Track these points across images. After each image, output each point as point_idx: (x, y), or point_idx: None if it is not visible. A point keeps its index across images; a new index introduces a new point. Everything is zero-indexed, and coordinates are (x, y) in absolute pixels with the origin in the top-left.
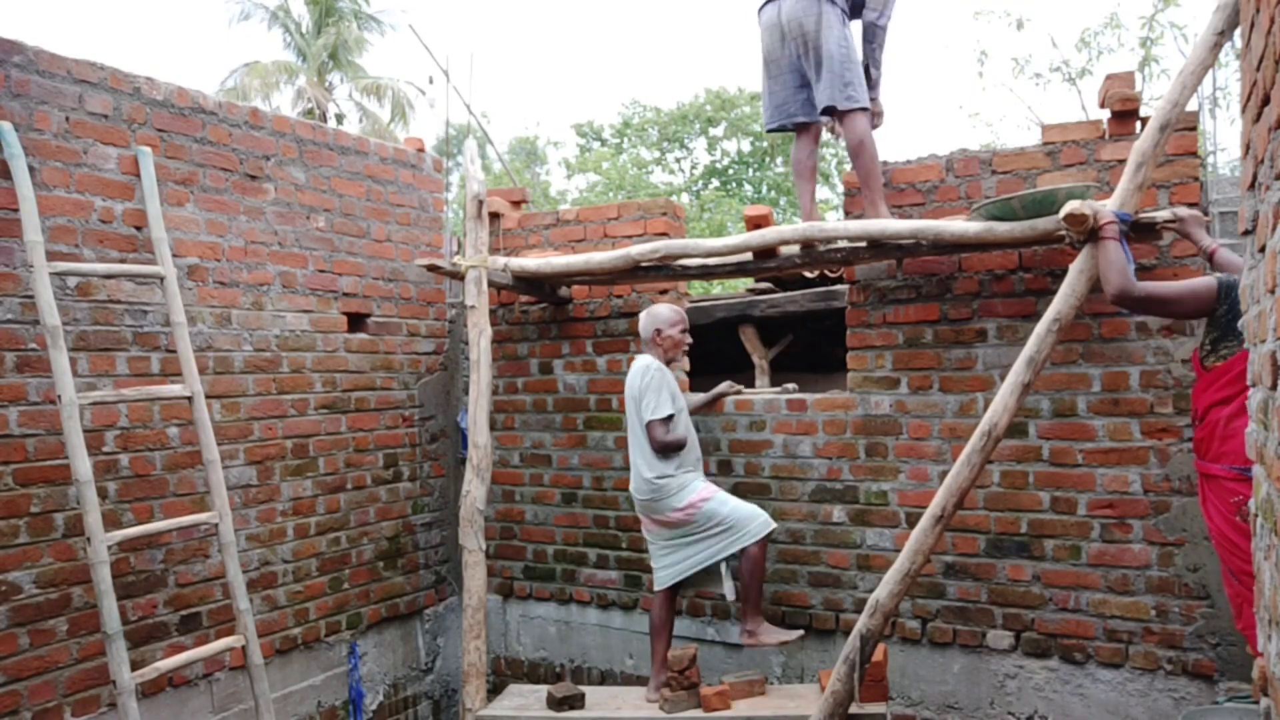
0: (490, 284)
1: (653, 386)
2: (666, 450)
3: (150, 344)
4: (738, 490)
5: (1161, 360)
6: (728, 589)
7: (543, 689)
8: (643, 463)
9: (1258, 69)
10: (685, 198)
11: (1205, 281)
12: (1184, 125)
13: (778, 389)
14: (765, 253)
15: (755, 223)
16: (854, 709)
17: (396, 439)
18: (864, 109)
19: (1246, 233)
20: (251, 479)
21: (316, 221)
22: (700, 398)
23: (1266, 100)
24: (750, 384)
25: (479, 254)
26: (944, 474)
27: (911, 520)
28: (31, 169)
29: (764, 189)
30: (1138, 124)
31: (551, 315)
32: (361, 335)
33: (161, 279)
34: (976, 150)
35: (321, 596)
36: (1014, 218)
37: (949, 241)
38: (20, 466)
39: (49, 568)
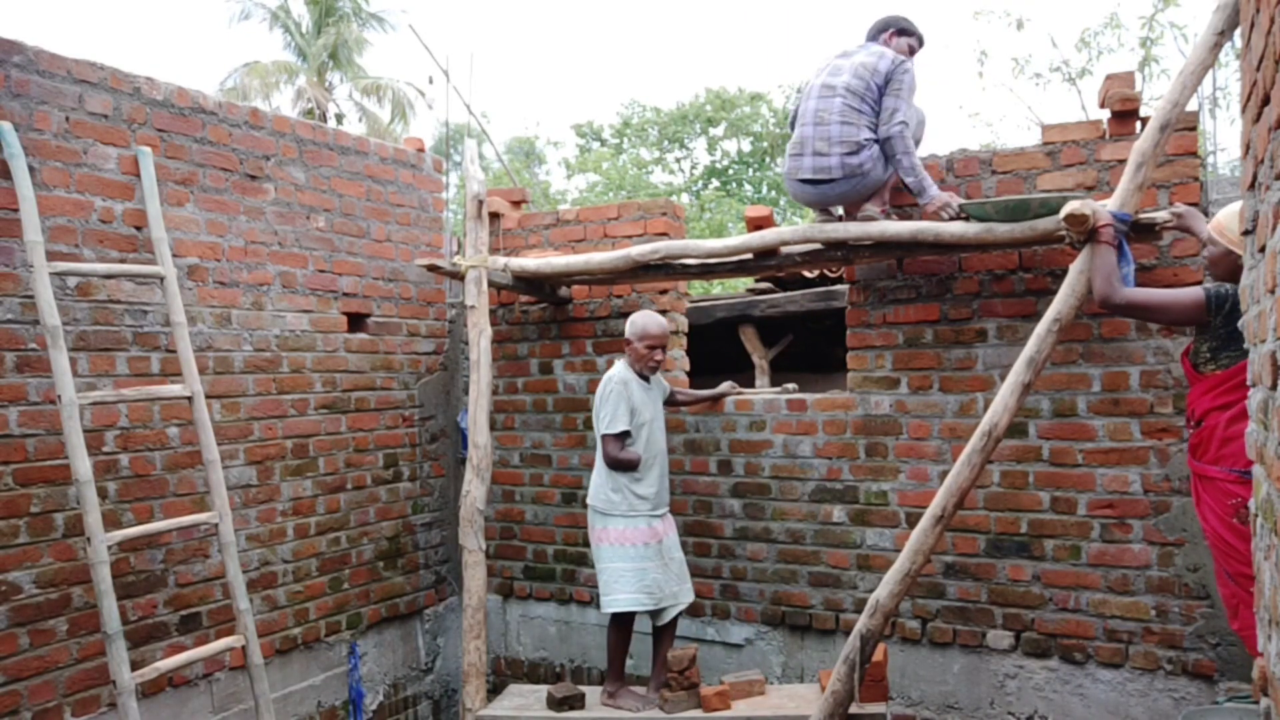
0: (490, 284)
1: (611, 399)
2: (618, 466)
3: (150, 344)
4: (737, 490)
5: (1161, 360)
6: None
7: (543, 689)
8: (601, 472)
9: (1258, 69)
10: (685, 198)
11: (1191, 292)
12: (1184, 125)
13: (778, 389)
14: (765, 252)
15: (756, 223)
16: (854, 709)
17: (396, 439)
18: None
19: (1246, 233)
20: (251, 479)
21: (316, 221)
22: (706, 393)
23: (1266, 100)
24: (750, 384)
25: (479, 254)
26: (944, 474)
27: (911, 520)
28: (31, 169)
29: (764, 189)
30: (1138, 124)
31: (551, 315)
32: (361, 335)
33: (161, 279)
34: (976, 150)
35: (321, 596)
36: (987, 219)
37: (949, 241)
38: (20, 466)
39: (49, 568)
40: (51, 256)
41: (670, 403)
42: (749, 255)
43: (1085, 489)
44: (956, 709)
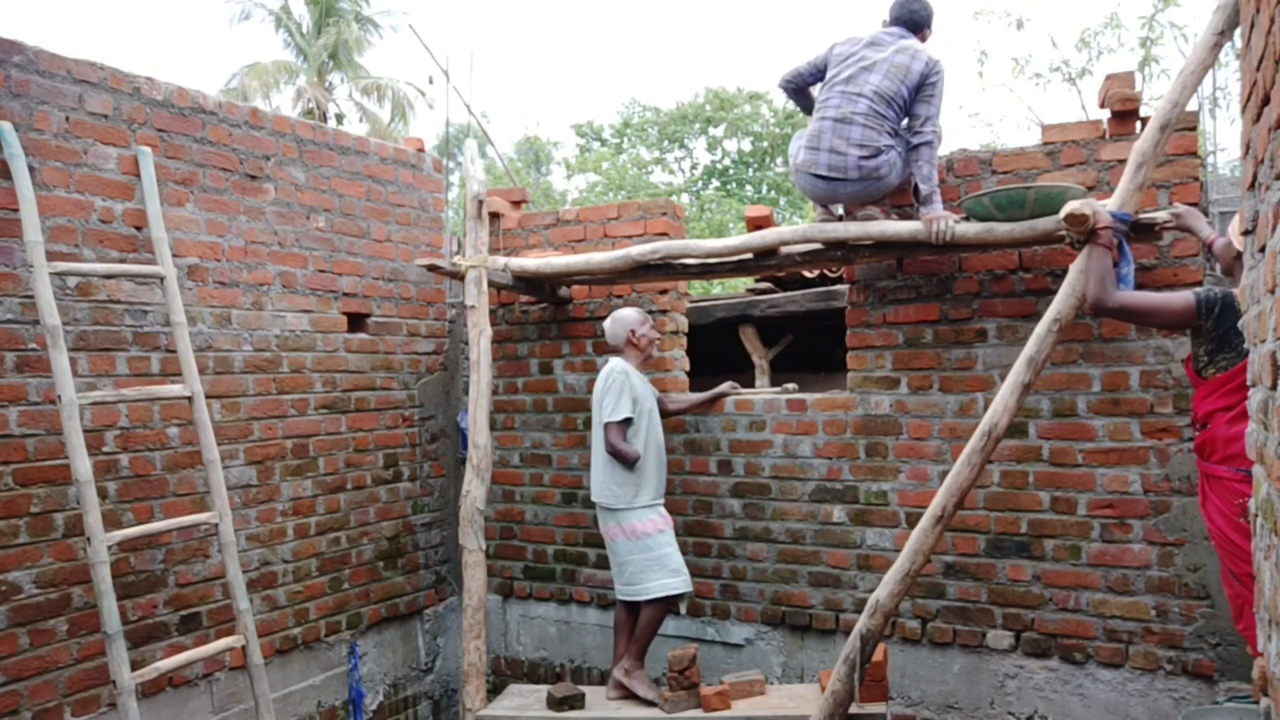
0: (490, 284)
1: (614, 387)
2: (618, 457)
3: (150, 344)
4: (737, 490)
5: (1161, 360)
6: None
7: (543, 689)
8: (602, 468)
9: (1258, 69)
10: (685, 198)
11: (1182, 296)
12: (1184, 125)
13: (778, 389)
14: (765, 252)
15: (756, 223)
16: (854, 709)
17: (396, 439)
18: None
19: (1246, 233)
20: (251, 479)
21: (316, 221)
22: (700, 396)
23: (1266, 100)
24: (750, 384)
25: (479, 254)
26: (944, 474)
27: (911, 520)
28: (31, 169)
29: (764, 189)
30: (1138, 124)
31: (551, 315)
32: (361, 335)
33: (161, 279)
34: (976, 150)
35: (321, 596)
36: (987, 215)
37: (949, 241)
38: (20, 466)
39: (49, 568)
40: (51, 256)
41: (663, 413)
42: (749, 255)
43: (1085, 489)
44: (956, 709)
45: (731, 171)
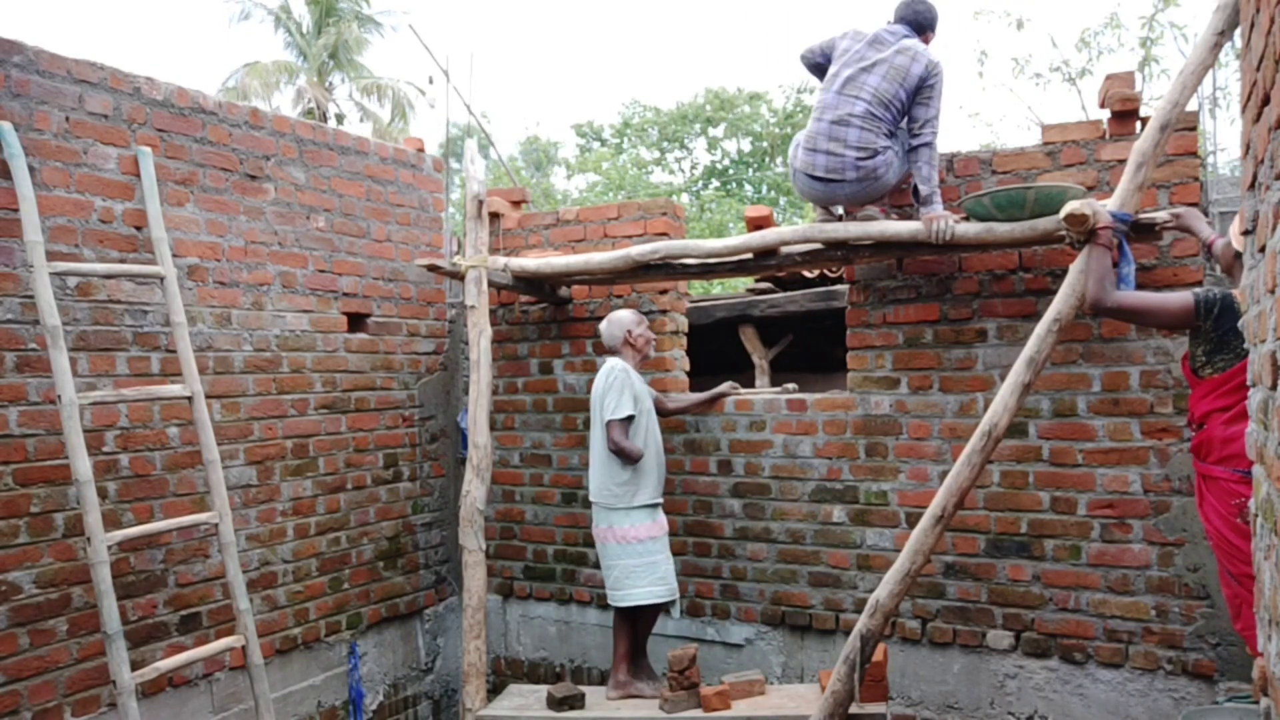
0: (490, 284)
1: (616, 385)
2: (621, 454)
3: (150, 344)
4: (737, 490)
5: (1161, 360)
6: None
7: (543, 689)
8: (602, 467)
9: (1258, 69)
10: (685, 198)
11: (1180, 296)
12: (1184, 125)
13: (778, 389)
14: (765, 252)
15: (756, 223)
16: (854, 709)
17: (396, 439)
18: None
19: (1246, 233)
20: (251, 479)
21: (316, 221)
22: (699, 396)
23: (1266, 100)
24: (750, 384)
25: (479, 254)
26: (944, 474)
27: (911, 520)
28: (31, 169)
29: (764, 189)
30: (1138, 124)
31: (551, 315)
32: (361, 335)
33: (161, 279)
34: (976, 150)
35: (321, 596)
36: (987, 216)
37: (949, 241)
38: (20, 466)
39: (49, 568)
40: (51, 256)
41: (661, 413)
42: (749, 255)
43: (1085, 489)
44: (956, 709)
45: (731, 171)
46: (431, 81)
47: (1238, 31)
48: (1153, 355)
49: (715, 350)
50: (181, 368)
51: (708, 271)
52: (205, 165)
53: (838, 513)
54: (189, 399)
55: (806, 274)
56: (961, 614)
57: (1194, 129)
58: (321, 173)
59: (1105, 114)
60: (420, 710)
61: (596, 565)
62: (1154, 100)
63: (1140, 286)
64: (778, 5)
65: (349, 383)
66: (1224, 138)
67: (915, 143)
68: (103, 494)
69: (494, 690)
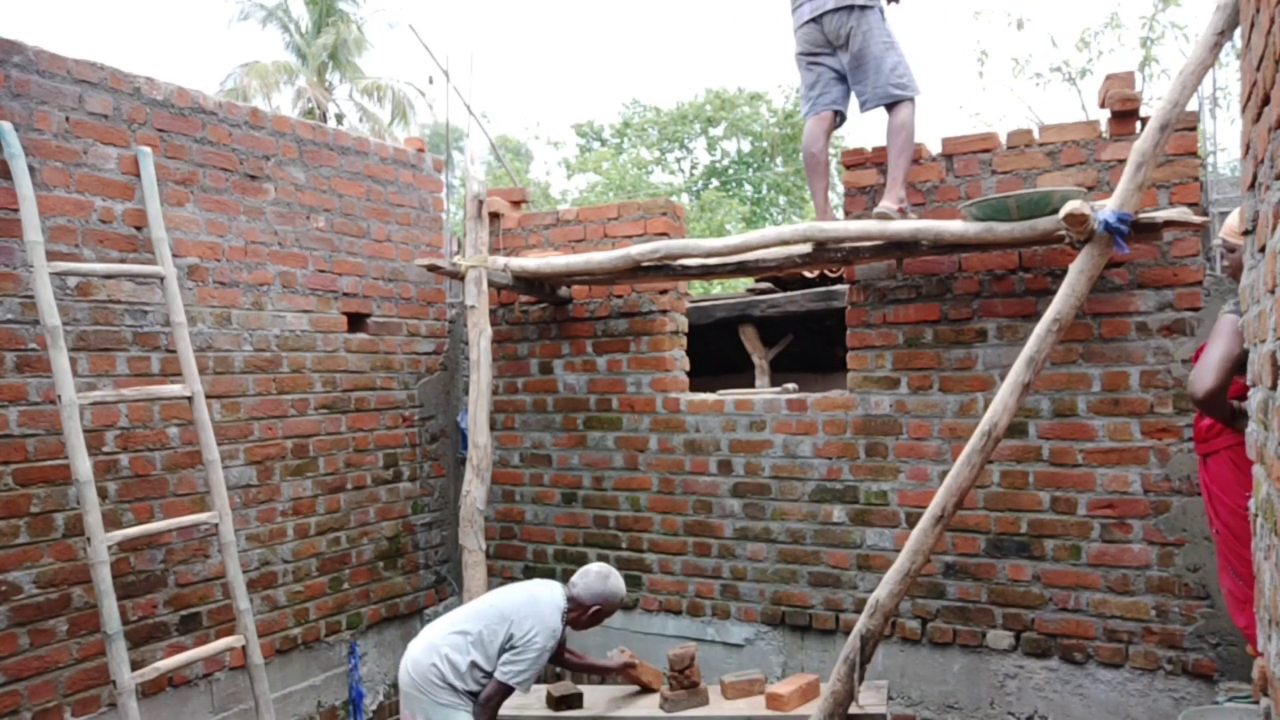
0: (490, 284)
1: (536, 652)
2: (487, 707)
3: (150, 344)
4: (737, 490)
5: (1161, 360)
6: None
7: (542, 688)
8: (458, 700)
9: (1258, 69)
10: (685, 198)
11: (1228, 324)
12: (1184, 125)
13: (778, 389)
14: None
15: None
16: (854, 709)
17: (396, 439)
18: (912, 98)
19: (1247, 233)
20: (251, 479)
21: (316, 221)
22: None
23: (1266, 100)
24: (750, 384)
25: (479, 254)
26: (944, 474)
27: (911, 520)
28: (31, 169)
29: (764, 189)
30: (1138, 124)
31: (551, 315)
32: (361, 335)
33: (161, 279)
34: (977, 150)
35: (321, 596)
36: (1008, 217)
37: (949, 241)
38: (20, 466)
39: (49, 568)
40: (51, 256)
41: (556, 660)
42: (749, 255)
43: (1085, 489)
44: (956, 709)
45: (731, 171)
46: (431, 81)
47: (1238, 31)
48: (1153, 355)
49: (715, 350)
50: (181, 368)
51: (708, 272)
52: (205, 165)
53: (838, 513)
54: (189, 399)
55: (806, 274)
56: (961, 614)
57: (1194, 129)
58: (321, 173)
59: (1105, 114)
60: None
61: None
62: (1154, 100)
63: (1141, 286)
64: (778, 5)
65: (349, 383)
66: (1224, 138)
67: None
68: (103, 494)
69: None
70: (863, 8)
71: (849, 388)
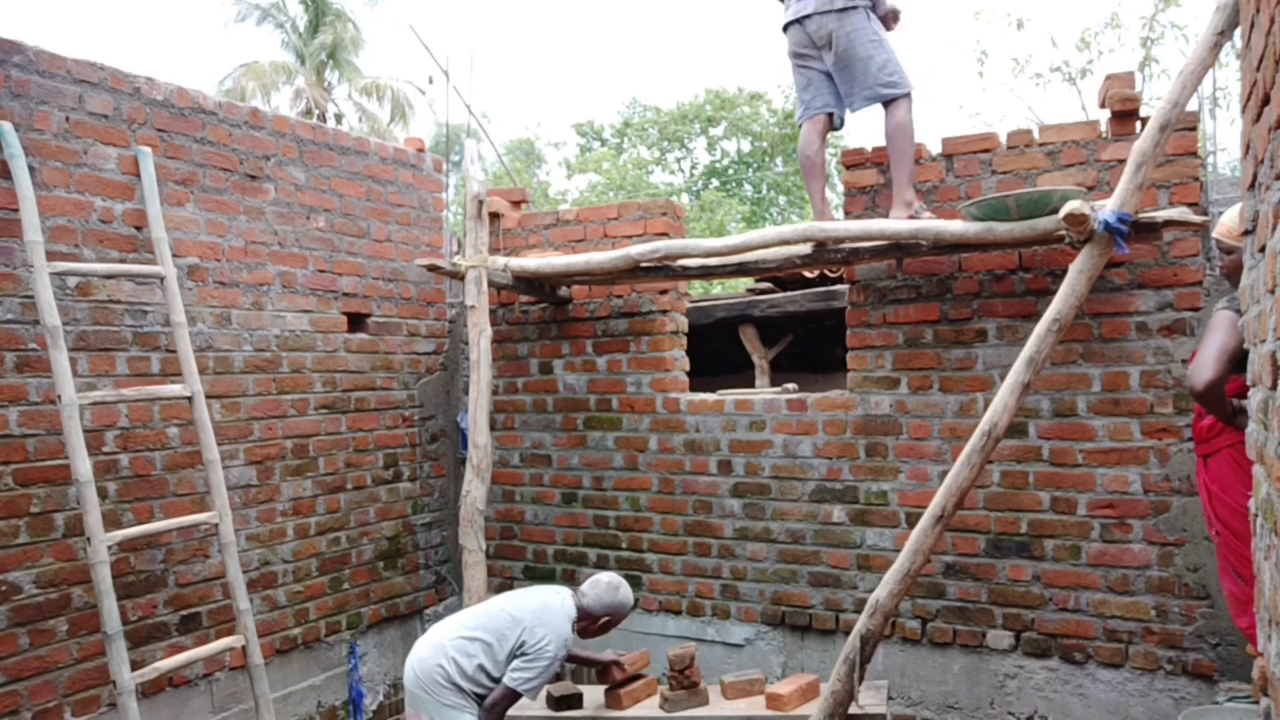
0: (490, 284)
1: (548, 659)
2: (493, 711)
3: (150, 344)
4: (737, 490)
5: (1161, 360)
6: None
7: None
8: (465, 700)
9: (1258, 69)
10: (685, 198)
11: (1225, 320)
12: (1184, 125)
13: (778, 389)
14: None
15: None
16: (854, 709)
17: (396, 439)
18: (906, 95)
19: (1247, 233)
20: (251, 479)
21: (316, 221)
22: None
23: (1266, 100)
24: (750, 384)
25: (479, 254)
26: (944, 474)
27: (911, 520)
28: (31, 169)
29: (764, 189)
30: (1138, 124)
31: (551, 315)
32: (361, 335)
33: (161, 279)
34: (976, 150)
35: (321, 596)
36: (1008, 217)
37: (949, 241)
38: (20, 466)
39: (49, 568)
40: (51, 256)
41: None
42: (749, 255)
43: (1085, 489)
44: (956, 709)
45: (731, 171)
46: (431, 81)
47: (1238, 31)
48: (1153, 355)
49: (715, 350)
50: (181, 368)
51: (708, 273)
52: (205, 165)
53: (838, 513)
54: (189, 399)
55: (806, 274)
56: (961, 614)
57: (1194, 129)
58: (321, 173)
59: (1105, 114)
60: None
61: (597, 565)
62: (1154, 100)
63: (1141, 286)
64: (778, 5)
65: (349, 383)
66: (1224, 138)
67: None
68: (103, 494)
69: None
70: (844, 10)
71: (849, 388)
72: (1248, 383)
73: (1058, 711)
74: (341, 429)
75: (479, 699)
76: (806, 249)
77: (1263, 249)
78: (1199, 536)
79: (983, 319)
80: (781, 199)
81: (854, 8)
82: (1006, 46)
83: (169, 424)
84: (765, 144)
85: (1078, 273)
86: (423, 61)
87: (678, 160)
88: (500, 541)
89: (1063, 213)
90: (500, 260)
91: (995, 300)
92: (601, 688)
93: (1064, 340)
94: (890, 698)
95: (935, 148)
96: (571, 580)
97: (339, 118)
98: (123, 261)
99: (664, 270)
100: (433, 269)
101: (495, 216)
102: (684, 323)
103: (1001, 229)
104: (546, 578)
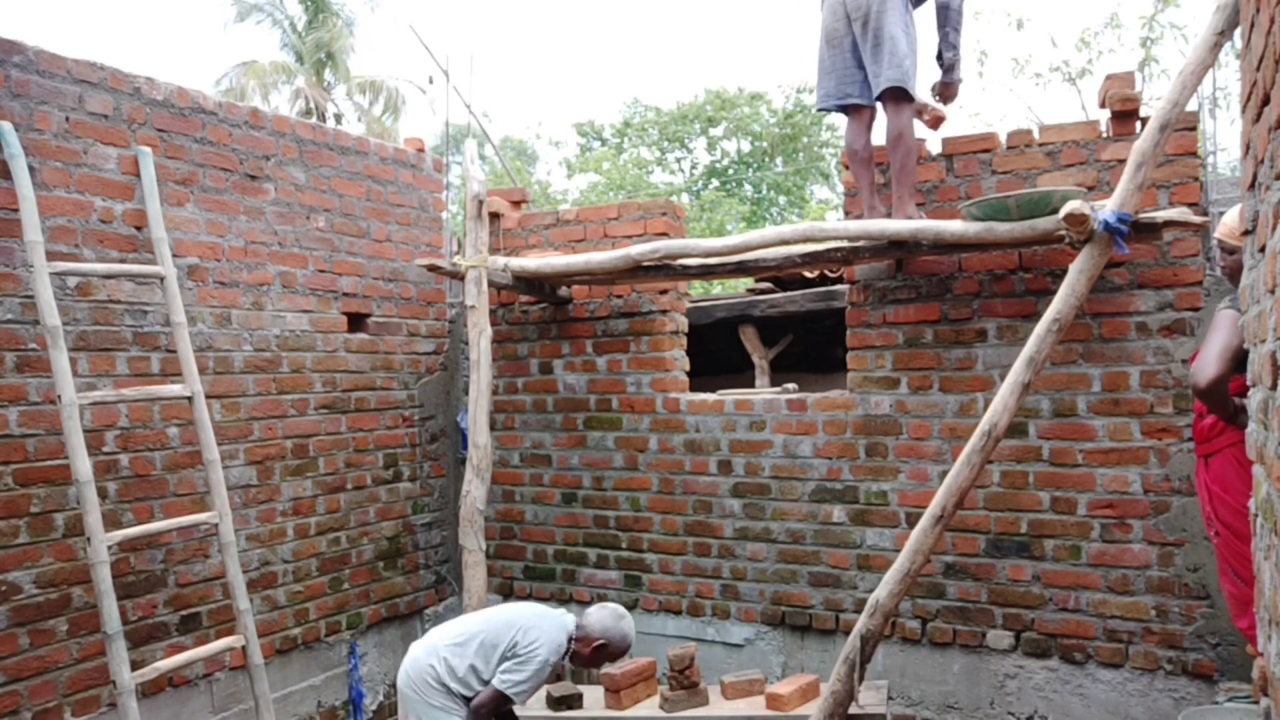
0: (490, 284)
1: (538, 667)
2: (478, 714)
3: (150, 344)
4: (737, 490)
5: (1161, 360)
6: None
7: (541, 688)
8: (452, 670)
9: (1258, 69)
10: (685, 198)
11: (1228, 319)
12: (1184, 125)
13: (778, 389)
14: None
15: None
16: (854, 709)
17: (396, 439)
18: (911, 100)
19: (1247, 233)
20: (251, 479)
21: (316, 221)
22: None
23: (1266, 100)
24: (750, 384)
25: (479, 254)
26: (944, 474)
27: (911, 520)
28: (31, 169)
29: (764, 189)
30: (1138, 124)
31: (551, 315)
32: (361, 335)
33: (161, 279)
34: (976, 150)
35: (321, 596)
36: (1008, 217)
37: (949, 241)
38: (20, 466)
39: (49, 568)
40: (51, 256)
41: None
42: (749, 255)
43: (1085, 489)
44: (956, 709)
45: (731, 171)
46: (431, 81)
47: (1238, 31)
48: (1153, 355)
49: (715, 350)
50: (181, 368)
51: (708, 272)
52: (205, 165)
53: (838, 513)
54: (189, 399)
55: (806, 274)
56: (961, 614)
57: (1194, 129)
58: (321, 173)
59: (1105, 114)
60: None
61: (597, 565)
62: (1154, 100)
63: (1140, 286)
64: (778, 5)
65: (349, 383)
66: (1224, 138)
67: (951, 2)
68: (103, 494)
69: None
70: None
71: (849, 388)
72: (1248, 382)
73: (1058, 711)
74: (341, 429)
75: (467, 701)
76: (806, 249)
77: (1263, 249)
78: (1199, 536)
79: (983, 319)
80: (781, 199)
81: None
82: (1006, 46)
83: (169, 424)
84: (765, 144)
85: (1078, 273)
86: (423, 61)
87: (678, 160)
88: (500, 541)
89: (1063, 213)
90: (500, 260)
91: (995, 300)
92: (601, 688)
93: (1064, 340)
94: (890, 698)
95: (935, 148)
96: (572, 580)
97: (338, 117)
98: (123, 261)
99: (664, 270)
100: (433, 269)
101: (495, 216)
102: (684, 323)
103: (1001, 229)
104: (546, 578)
